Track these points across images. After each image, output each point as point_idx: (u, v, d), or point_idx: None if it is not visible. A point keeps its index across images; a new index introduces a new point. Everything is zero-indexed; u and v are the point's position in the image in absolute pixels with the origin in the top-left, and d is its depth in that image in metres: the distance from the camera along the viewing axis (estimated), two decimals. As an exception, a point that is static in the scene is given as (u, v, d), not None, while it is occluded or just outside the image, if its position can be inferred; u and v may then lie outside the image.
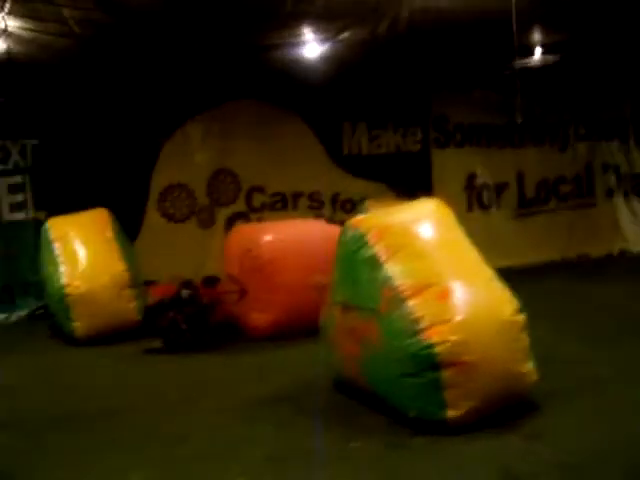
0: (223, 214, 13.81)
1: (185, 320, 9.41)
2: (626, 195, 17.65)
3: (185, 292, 9.63)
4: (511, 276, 6.84)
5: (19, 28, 9.33)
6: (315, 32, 10.57)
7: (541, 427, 5.80)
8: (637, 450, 5.21)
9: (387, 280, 6.32)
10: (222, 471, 5.29)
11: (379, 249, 6.55)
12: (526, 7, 9.59)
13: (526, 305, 6.36)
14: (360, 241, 6.78)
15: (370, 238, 6.70)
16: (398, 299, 6.11)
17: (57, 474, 5.46)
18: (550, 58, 13.34)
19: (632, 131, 17.74)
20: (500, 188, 16.23)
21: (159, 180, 13.41)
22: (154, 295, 10.59)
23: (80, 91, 12.33)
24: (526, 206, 16.56)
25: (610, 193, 17.45)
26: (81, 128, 12.69)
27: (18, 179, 12.66)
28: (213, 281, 10.36)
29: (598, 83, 16.14)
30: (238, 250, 10.36)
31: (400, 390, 5.98)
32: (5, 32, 9.39)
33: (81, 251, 10.50)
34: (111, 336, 10.01)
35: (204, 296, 9.89)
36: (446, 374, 5.68)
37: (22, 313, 12.39)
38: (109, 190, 12.39)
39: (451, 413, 5.63)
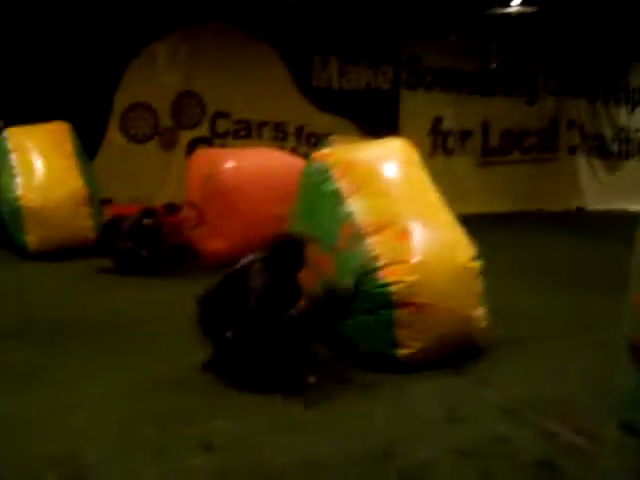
0: (186, 137, 13.63)
1: (145, 247, 9.31)
2: (588, 154, 17.86)
3: (147, 221, 9.48)
4: (470, 223, 6.85)
5: None
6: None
7: (488, 372, 5.90)
8: (573, 400, 5.32)
9: (348, 216, 6.31)
10: (170, 392, 5.29)
11: (343, 184, 6.52)
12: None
13: (483, 253, 6.42)
14: (324, 175, 6.73)
15: (334, 173, 6.65)
16: (358, 236, 6.11)
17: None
18: (528, 8, 13.26)
19: (600, 91, 17.86)
20: (465, 135, 16.27)
21: (123, 98, 13.13)
22: (110, 214, 10.51)
23: (46, 2, 11.95)
24: (489, 155, 16.65)
25: (573, 150, 17.64)
26: (45, 35, 12.27)
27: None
28: (174, 208, 10.20)
29: (572, 39, 16.13)
30: (199, 175, 10.24)
31: (353, 325, 6.00)
32: None
33: (38, 164, 10.32)
34: (64, 252, 9.90)
35: (165, 224, 9.75)
36: (399, 314, 5.72)
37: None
38: (71, 104, 12.11)
39: (401, 352, 5.69)
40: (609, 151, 18.26)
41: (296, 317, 5.27)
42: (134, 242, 9.29)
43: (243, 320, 5.32)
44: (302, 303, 5.40)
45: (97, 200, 10.75)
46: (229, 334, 5.39)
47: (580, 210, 17.42)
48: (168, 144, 13.46)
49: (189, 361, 5.98)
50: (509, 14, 13.49)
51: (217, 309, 5.57)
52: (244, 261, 5.59)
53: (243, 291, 5.33)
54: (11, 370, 5.78)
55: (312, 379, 5.41)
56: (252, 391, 5.31)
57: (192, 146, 13.42)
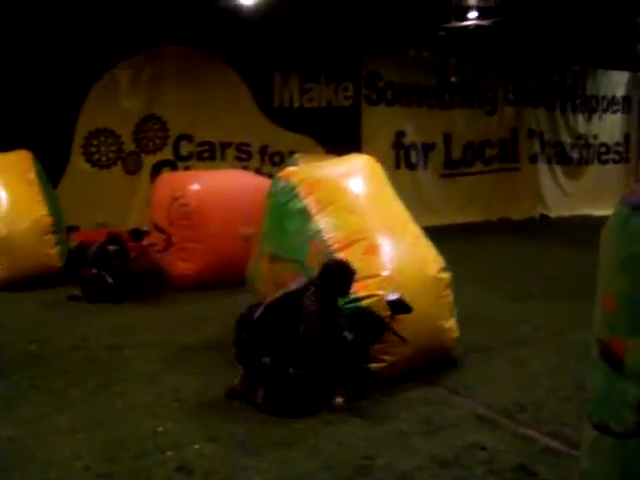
0: (150, 161, 13.57)
1: (111, 274, 9.23)
2: (549, 162, 18.12)
3: (111, 248, 9.40)
4: (436, 235, 6.95)
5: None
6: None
7: (461, 381, 5.98)
8: (547, 403, 5.43)
9: (316, 233, 6.36)
10: (146, 419, 5.28)
11: (309, 202, 6.57)
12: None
13: (451, 264, 6.49)
14: (290, 193, 6.78)
15: (301, 190, 6.72)
16: (326, 252, 6.14)
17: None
18: (485, 22, 13.46)
19: (558, 99, 18.15)
20: (427, 148, 16.41)
21: (85, 124, 13.06)
22: (77, 241, 10.44)
23: (5, 27, 11.87)
24: (452, 167, 16.80)
25: (534, 159, 17.86)
26: (5, 66, 12.19)
27: None
28: (140, 234, 10.14)
29: (529, 49, 16.40)
30: (165, 198, 10.23)
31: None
32: None
33: (2, 194, 10.18)
34: (32, 281, 9.79)
35: (132, 250, 9.69)
36: (372, 328, 5.74)
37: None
38: (32, 131, 11.99)
39: (376, 366, 5.72)
40: (569, 158, 18.54)
41: (351, 340, 5.36)
42: (99, 269, 9.22)
43: (293, 345, 5.32)
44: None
45: (63, 227, 10.65)
46: (266, 360, 5.35)
47: (544, 217, 17.63)
48: (132, 169, 13.39)
49: (163, 386, 5.99)
50: (466, 27, 13.67)
51: (257, 334, 5.45)
52: (292, 287, 5.57)
53: (294, 316, 5.35)
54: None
55: (339, 401, 5.41)
56: (227, 412, 5.33)
57: (156, 170, 13.38)
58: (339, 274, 5.58)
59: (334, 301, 5.57)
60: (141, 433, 5.00)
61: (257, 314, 5.51)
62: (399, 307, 5.55)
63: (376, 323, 5.59)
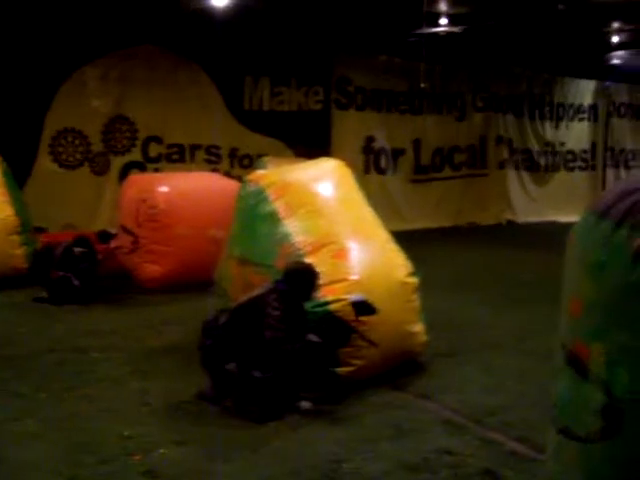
0: (118, 162, 13.45)
1: (77, 276, 9.12)
2: (517, 168, 18.28)
3: (78, 250, 9.28)
4: (405, 240, 6.98)
5: None
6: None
7: (428, 386, 6.01)
8: (513, 408, 5.48)
9: (286, 236, 6.36)
10: (113, 422, 5.23)
11: (279, 205, 6.58)
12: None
13: (419, 269, 6.53)
14: (260, 196, 6.78)
15: (270, 194, 6.71)
16: (295, 255, 6.14)
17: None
18: (455, 28, 13.54)
19: (527, 106, 18.32)
20: (397, 153, 16.46)
21: (52, 123, 12.90)
22: (44, 243, 10.33)
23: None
24: (421, 172, 16.87)
25: (502, 165, 18.01)
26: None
27: None
28: (108, 236, 10.03)
29: (498, 57, 16.53)
30: (133, 200, 10.16)
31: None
32: None
33: (-34, 193, 10.06)
34: (-2, 282, 9.69)
35: (99, 252, 9.59)
36: (340, 332, 5.75)
37: None
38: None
39: (344, 370, 5.72)
40: (537, 165, 18.71)
41: (317, 342, 5.34)
42: (66, 271, 9.12)
43: (259, 350, 5.28)
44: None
45: (29, 228, 10.53)
46: (231, 366, 5.34)
47: (511, 223, 17.78)
48: (100, 170, 13.25)
49: (130, 389, 5.95)
50: (437, 34, 13.75)
51: (223, 340, 5.45)
52: (256, 293, 5.56)
53: (259, 321, 5.33)
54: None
55: (306, 404, 5.40)
56: (195, 416, 5.30)
57: (125, 171, 13.26)
58: (301, 278, 5.58)
59: (298, 305, 5.56)
60: (108, 437, 4.96)
61: (222, 320, 5.51)
62: (363, 308, 5.56)
63: (342, 328, 5.60)
